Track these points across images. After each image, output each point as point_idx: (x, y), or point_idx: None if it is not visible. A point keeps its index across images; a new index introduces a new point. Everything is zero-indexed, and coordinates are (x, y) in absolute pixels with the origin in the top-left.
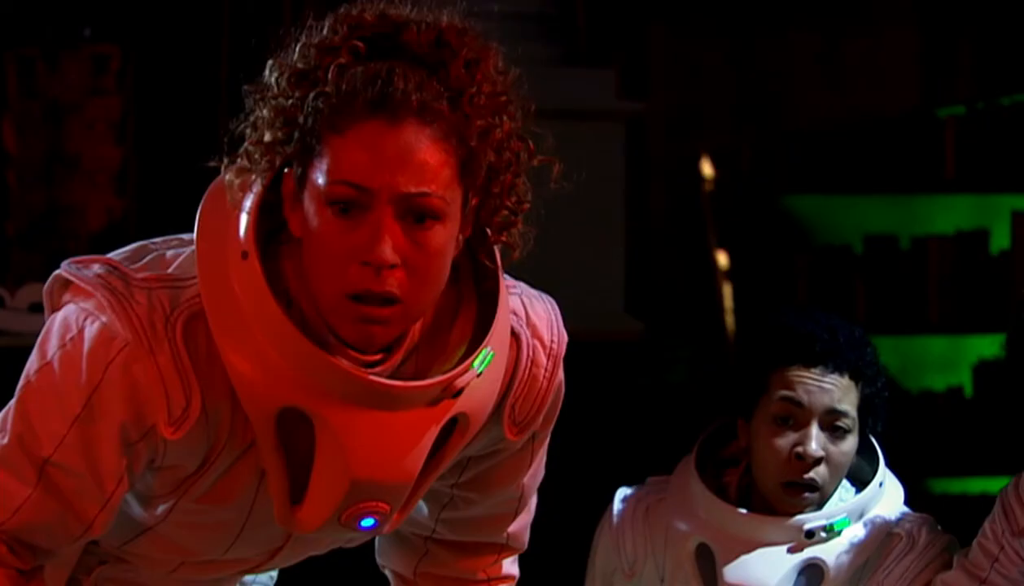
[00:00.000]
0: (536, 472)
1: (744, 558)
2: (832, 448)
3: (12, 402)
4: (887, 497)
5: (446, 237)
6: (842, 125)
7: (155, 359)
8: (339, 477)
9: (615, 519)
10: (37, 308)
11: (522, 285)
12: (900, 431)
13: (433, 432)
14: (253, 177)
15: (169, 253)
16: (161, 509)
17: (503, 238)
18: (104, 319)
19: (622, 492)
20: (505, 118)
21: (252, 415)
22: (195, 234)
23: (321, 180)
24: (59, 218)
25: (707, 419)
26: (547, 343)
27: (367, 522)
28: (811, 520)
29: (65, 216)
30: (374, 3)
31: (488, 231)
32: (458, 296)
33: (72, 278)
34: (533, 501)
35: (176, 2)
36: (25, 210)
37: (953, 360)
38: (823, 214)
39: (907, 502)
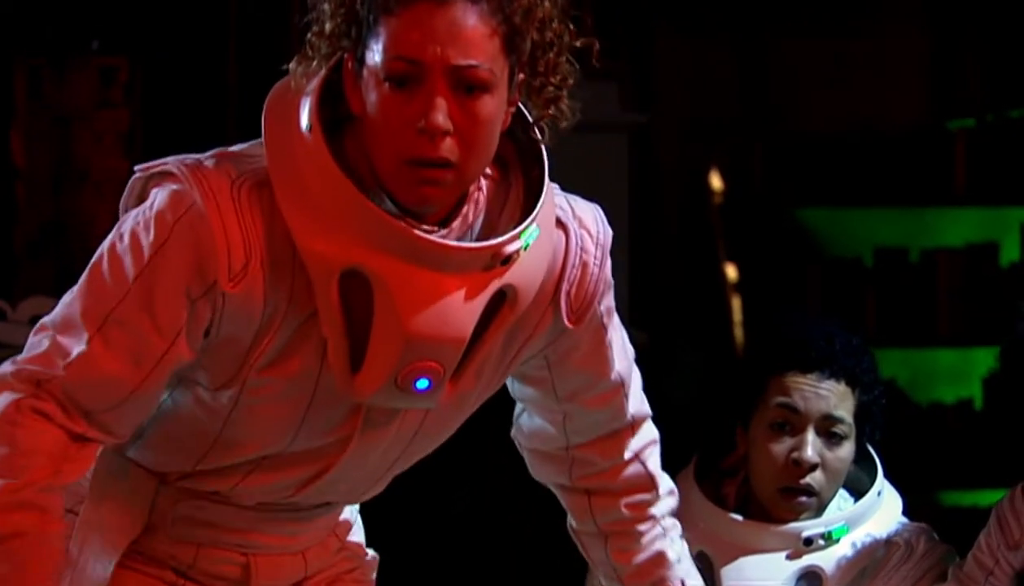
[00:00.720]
0: (622, 358)
1: (742, 566)
2: (829, 454)
3: (83, 275)
4: (885, 506)
5: (494, 107)
6: (852, 137)
7: (221, 217)
8: (395, 335)
9: None
10: (39, 320)
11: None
12: (910, 443)
13: (484, 297)
14: (315, 65)
15: (234, 148)
16: (227, 396)
17: (550, 112)
18: (175, 186)
19: None
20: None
21: (315, 275)
22: (263, 117)
23: (378, 58)
24: (67, 230)
25: (707, 430)
26: (594, 234)
27: (422, 383)
28: (809, 527)
29: (74, 228)
30: None
31: (535, 111)
32: (508, 185)
33: (141, 170)
34: (636, 377)
35: (184, 14)
36: (34, 221)
37: (963, 372)
38: (833, 226)
39: (911, 513)
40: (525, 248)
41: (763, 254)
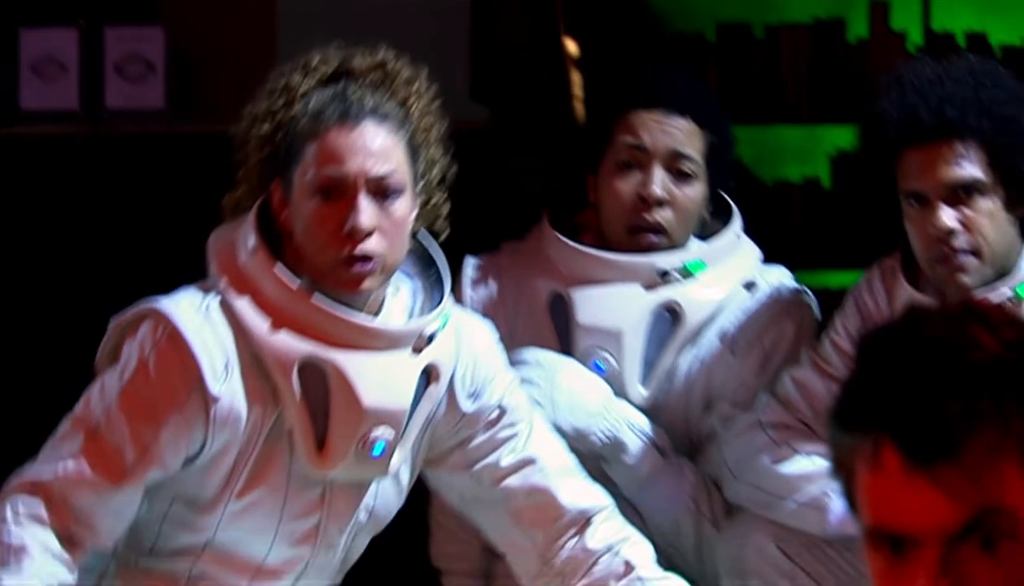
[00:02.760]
0: (540, 442)
1: (599, 301)
2: (677, 192)
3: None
4: (745, 251)
5: (407, 207)
6: None
7: (198, 333)
8: (353, 410)
9: (464, 283)
10: None
11: None
12: (756, 222)
13: (416, 371)
14: (240, 193)
15: (187, 289)
16: (211, 520)
17: (436, 226)
18: (151, 321)
19: (471, 259)
20: (436, 120)
21: (277, 370)
22: (210, 253)
23: (307, 176)
24: None
25: (559, 184)
26: (483, 326)
27: (378, 448)
28: (663, 259)
29: None
30: (320, 51)
31: (423, 222)
32: (422, 293)
33: (116, 322)
34: (573, 478)
35: None
36: None
37: (809, 151)
38: (674, 1)
39: None
40: (443, 328)
41: (604, 29)
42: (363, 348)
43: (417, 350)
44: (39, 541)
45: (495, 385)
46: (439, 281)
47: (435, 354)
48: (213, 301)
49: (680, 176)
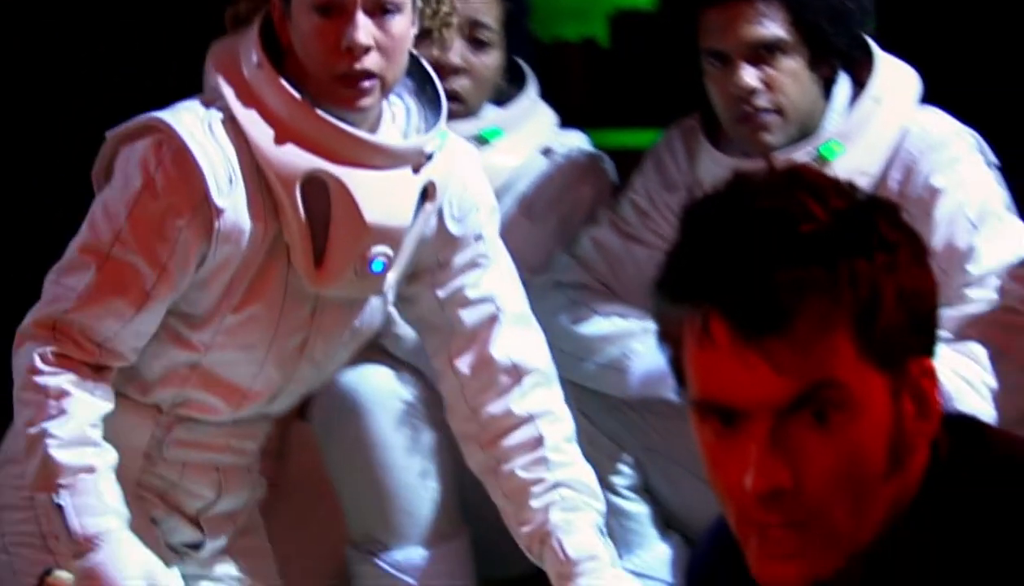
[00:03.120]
0: (504, 280)
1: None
2: (475, 60)
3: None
4: (541, 117)
5: (405, 25)
6: None
7: (201, 147)
8: (354, 226)
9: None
10: None
11: None
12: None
13: (415, 189)
14: (243, 9)
15: (183, 103)
16: (205, 336)
17: (442, 35)
18: (148, 138)
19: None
20: None
21: (281, 184)
22: (211, 66)
23: None
24: None
25: None
26: (473, 151)
27: (377, 266)
28: (456, 127)
29: None
30: None
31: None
32: (417, 107)
33: (114, 134)
34: (524, 327)
35: None
36: None
37: (586, 10)
38: None
39: None
40: (440, 147)
41: None
42: (366, 165)
43: (416, 169)
44: (75, 383)
45: (480, 212)
46: (435, 99)
47: (433, 172)
48: (216, 115)
49: (477, 44)
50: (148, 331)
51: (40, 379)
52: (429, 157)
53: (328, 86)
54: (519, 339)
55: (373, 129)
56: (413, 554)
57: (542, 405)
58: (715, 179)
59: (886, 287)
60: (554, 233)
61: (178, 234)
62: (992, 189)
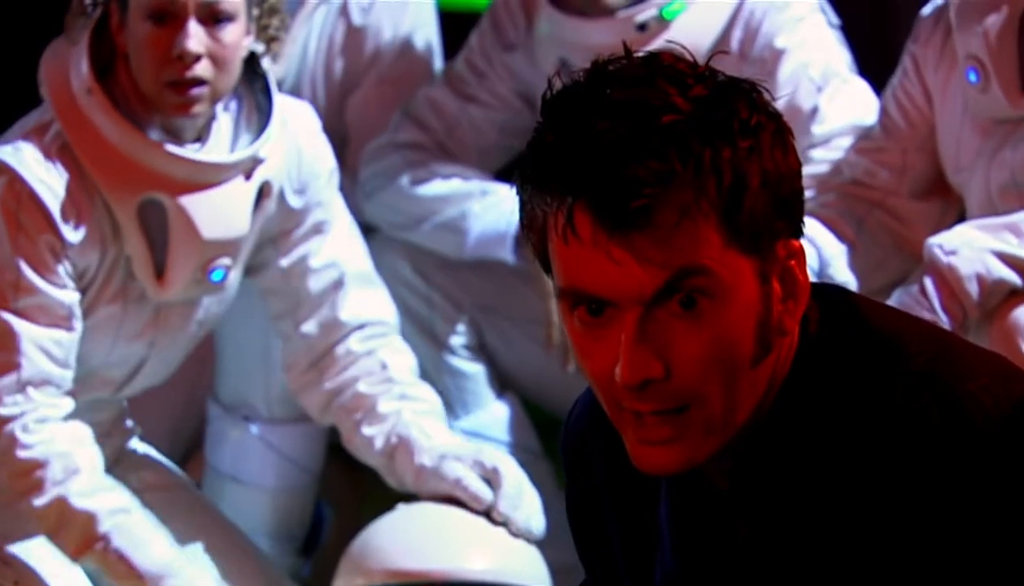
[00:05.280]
0: (345, 242)
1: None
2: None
3: None
4: None
5: (238, 34)
6: None
7: (45, 184)
8: (193, 243)
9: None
10: None
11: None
12: None
13: (251, 195)
14: (82, 19)
15: (32, 117)
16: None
17: (272, 48)
18: (3, 179)
19: None
20: None
21: (119, 209)
22: (45, 81)
23: (140, 0)
24: None
25: None
26: (307, 113)
27: (217, 275)
28: None
29: None
30: None
31: (260, 43)
32: (241, 107)
33: None
34: (368, 286)
35: None
36: None
37: None
38: None
39: None
40: (270, 139)
41: None
42: (200, 185)
43: (248, 175)
44: (54, 433)
45: (319, 179)
46: (265, 96)
47: (267, 172)
48: (54, 143)
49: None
50: (75, 346)
51: (20, 453)
52: (259, 161)
53: (158, 94)
54: (365, 298)
55: (202, 135)
56: (289, 430)
57: (384, 342)
58: (551, 37)
59: (750, 172)
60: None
61: (57, 252)
62: (835, 49)
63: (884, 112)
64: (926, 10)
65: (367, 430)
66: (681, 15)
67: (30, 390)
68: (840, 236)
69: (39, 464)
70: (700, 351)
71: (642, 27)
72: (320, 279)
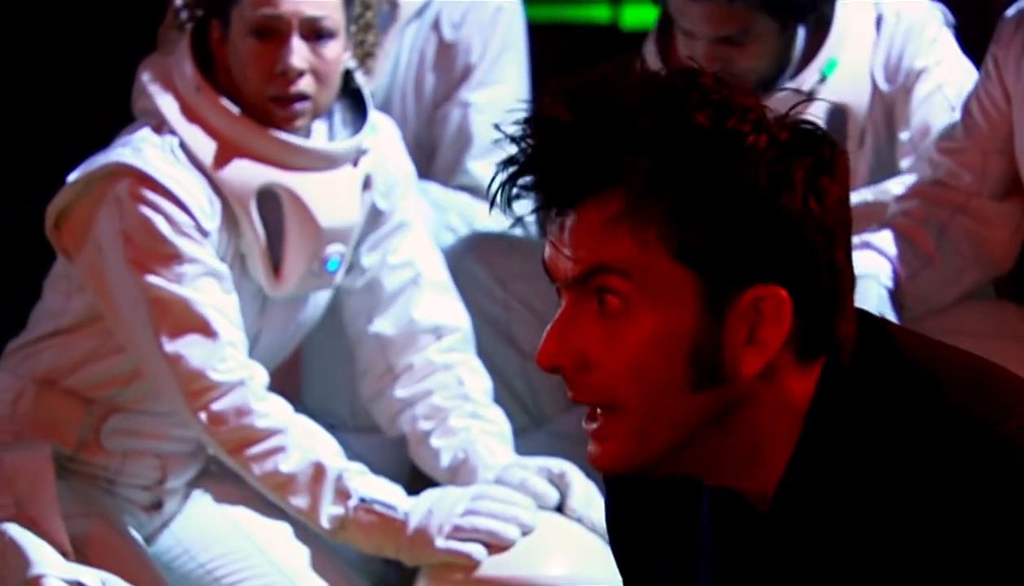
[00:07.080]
0: (422, 245)
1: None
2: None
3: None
4: None
5: (338, 50)
6: None
7: (175, 180)
8: (310, 232)
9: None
10: None
11: None
12: None
13: (358, 184)
14: (176, 33)
15: (129, 135)
16: None
17: (366, 63)
18: (127, 181)
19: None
20: None
21: (237, 199)
22: (147, 88)
23: (244, 16)
24: None
25: None
26: (387, 121)
27: (332, 264)
28: None
29: None
30: None
31: (355, 59)
32: (338, 115)
33: (78, 178)
34: (444, 293)
35: None
36: None
37: None
38: None
39: None
40: (372, 135)
41: None
42: (312, 169)
43: (355, 163)
44: (263, 405)
45: (402, 184)
46: (359, 97)
47: (369, 165)
48: (172, 141)
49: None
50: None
51: (255, 422)
52: (364, 151)
53: (262, 106)
54: (440, 302)
55: (306, 136)
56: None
57: (462, 358)
58: None
59: (717, 204)
60: None
61: (184, 257)
62: (966, 67)
63: (967, 112)
64: (1008, 12)
65: (436, 442)
66: (837, 68)
67: (235, 353)
68: (920, 249)
69: (279, 431)
70: (613, 354)
71: (809, 95)
72: (396, 276)
